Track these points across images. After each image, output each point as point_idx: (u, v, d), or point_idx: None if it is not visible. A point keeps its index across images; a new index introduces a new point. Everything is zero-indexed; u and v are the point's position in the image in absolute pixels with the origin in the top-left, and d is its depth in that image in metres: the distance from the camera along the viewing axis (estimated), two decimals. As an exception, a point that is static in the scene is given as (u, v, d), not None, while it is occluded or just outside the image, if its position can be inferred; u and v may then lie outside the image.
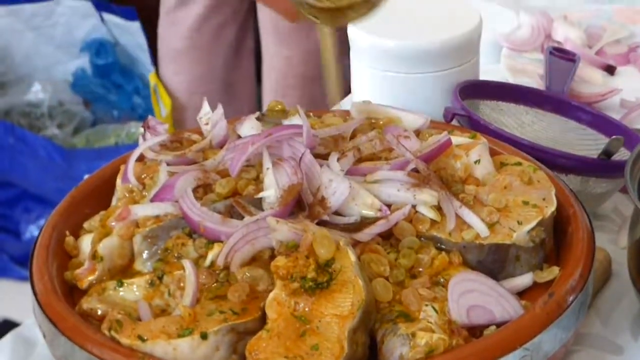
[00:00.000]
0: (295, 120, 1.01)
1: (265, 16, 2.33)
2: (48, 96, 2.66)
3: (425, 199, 0.90)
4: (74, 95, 2.74)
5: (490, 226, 0.90)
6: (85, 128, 2.69)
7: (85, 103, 2.75)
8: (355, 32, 1.20)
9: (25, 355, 0.97)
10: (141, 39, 2.66)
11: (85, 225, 0.97)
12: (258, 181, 0.93)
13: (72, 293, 0.91)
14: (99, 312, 0.86)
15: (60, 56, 2.77)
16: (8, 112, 2.65)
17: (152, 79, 2.59)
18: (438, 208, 0.91)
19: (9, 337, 0.99)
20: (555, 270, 0.89)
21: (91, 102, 2.75)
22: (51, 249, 0.93)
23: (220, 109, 1.02)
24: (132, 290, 0.87)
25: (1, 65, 2.73)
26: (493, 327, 0.83)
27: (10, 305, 2.34)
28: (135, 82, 2.75)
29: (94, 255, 0.90)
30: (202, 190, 0.94)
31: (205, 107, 1.04)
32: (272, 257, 0.86)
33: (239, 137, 1.01)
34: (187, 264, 0.86)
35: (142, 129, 1.02)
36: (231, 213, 0.90)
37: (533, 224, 0.90)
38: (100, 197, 1.00)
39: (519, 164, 0.98)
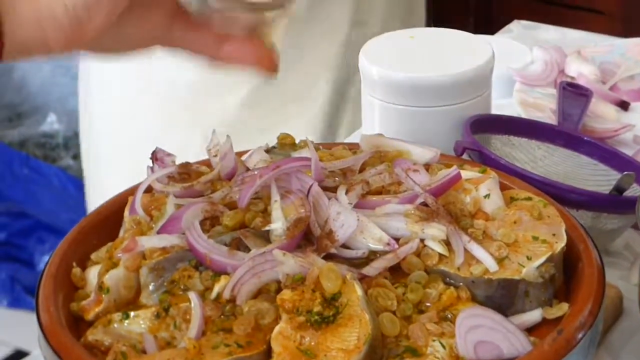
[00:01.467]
0: (305, 152, 1.01)
1: None
2: (63, 127, 2.67)
3: (433, 233, 0.90)
4: (89, 127, 2.75)
5: (499, 261, 0.89)
6: (100, 159, 2.70)
7: (100, 134, 2.75)
8: (366, 65, 1.20)
9: (31, 386, 0.97)
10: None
11: (93, 256, 0.97)
12: (266, 214, 0.93)
13: (78, 324, 0.90)
14: (105, 344, 0.86)
15: (76, 87, 2.78)
16: (23, 142, 2.66)
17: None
18: (447, 242, 0.90)
19: (15, 368, 0.99)
20: (564, 307, 0.88)
21: (106, 133, 2.76)
22: (58, 279, 0.92)
23: (229, 141, 1.02)
24: (138, 323, 0.87)
25: (17, 96, 2.75)
26: (501, 364, 0.83)
27: (23, 335, 2.34)
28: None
29: (101, 287, 0.89)
30: (210, 222, 0.93)
31: (214, 138, 1.04)
32: (279, 290, 0.86)
33: (248, 169, 1.01)
34: (192, 296, 0.85)
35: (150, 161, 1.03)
36: (238, 245, 0.90)
37: (542, 259, 0.89)
38: (109, 228, 1.00)
39: (529, 198, 0.98)
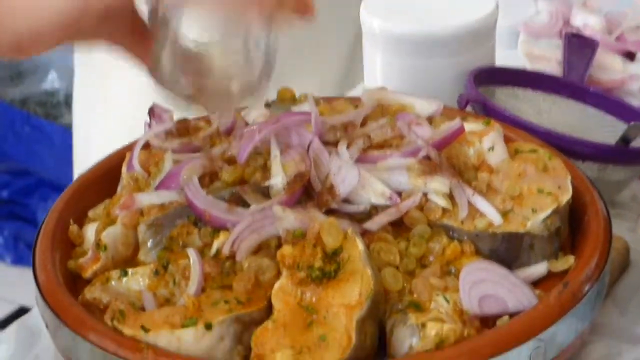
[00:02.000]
0: (305, 107, 1.00)
1: None
2: (64, 85, 2.65)
3: (436, 186, 0.89)
4: (90, 84, 2.73)
5: (504, 214, 0.88)
6: (102, 117, 2.68)
7: (102, 92, 2.74)
8: (368, 17, 1.19)
9: (30, 344, 0.96)
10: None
11: (90, 213, 0.95)
12: (265, 169, 0.92)
13: (76, 282, 0.89)
14: (103, 302, 0.85)
15: (78, 45, 2.76)
16: (24, 101, 2.64)
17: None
18: (450, 196, 0.89)
19: (14, 326, 0.98)
20: (570, 260, 0.87)
21: (108, 90, 2.75)
22: (55, 237, 0.91)
23: (227, 95, 1.00)
24: (137, 280, 0.86)
25: (18, 53, 2.73)
26: (506, 318, 0.81)
27: (27, 292, 2.34)
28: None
29: (98, 244, 0.88)
30: (209, 178, 0.92)
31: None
32: (279, 246, 0.84)
33: (247, 124, 1.00)
34: (191, 253, 0.84)
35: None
36: (237, 201, 0.89)
37: (548, 212, 0.88)
38: (106, 185, 0.98)
39: (534, 150, 0.96)
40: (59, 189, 2.59)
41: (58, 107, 2.65)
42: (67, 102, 2.65)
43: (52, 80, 2.66)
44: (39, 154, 2.50)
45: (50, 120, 2.59)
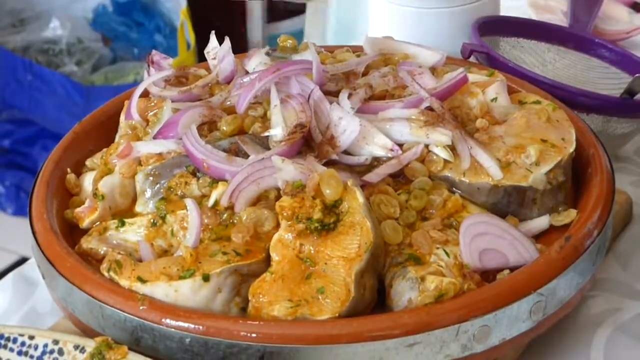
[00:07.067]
0: (306, 55, 0.98)
1: None
2: (67, 33, 2.63)
3: (438, 138, 0.87)
4: (93, 32, 2.71)
5: (506, 166, 0.87)
6: (104, 65, 2.66)
7: (104, 40, 2.72)
8: (371, -35, 1.17)
9: (27, 295, 0.95)
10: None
11: (88, 162, 0.94)
12: (265, 119, 0.91)
13: (72, 232, 0.88)
14: (100, 253, 0.84)
15: (80, -7, 2.74)
16: (26, 48, 2.62)
17: (182, 15, 2.56)
18: (452, 148, 0.88)
19: (10, 276, 0.97)
20: (572, 213, 0.86)
21: (111, 39, 2.73)
22: (52, 186, 0.90)
23: (227, 43, 0.99)
24: (134, 230, 0.85)
25: (20, 1, 2.70)
26: (506, 272, 0.81)
27: (29, 243, 2.34)
28: (157, 20, 2.72)
29: (95, 194, 0.87)
30: (207, 127, 0.91)
31: (213, 40, 1.01)
32: (278, 197, 0.83)
33: (247, 72, 0.98)
34: (189, 203, 0.83)
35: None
36: (237, 151, 0.87)
37: (551, 165, 0.87)
38: (104, 133, 0.97)
39: (538, 102, 0.95)
40: (60, 138, 2.58)
41: (60, 55, 2.63)
42: (69, 50, 2.63)
43: (54, 28, 2.64)
44: (41, 102, 2.49)
45: (52, 68, 2.57)
